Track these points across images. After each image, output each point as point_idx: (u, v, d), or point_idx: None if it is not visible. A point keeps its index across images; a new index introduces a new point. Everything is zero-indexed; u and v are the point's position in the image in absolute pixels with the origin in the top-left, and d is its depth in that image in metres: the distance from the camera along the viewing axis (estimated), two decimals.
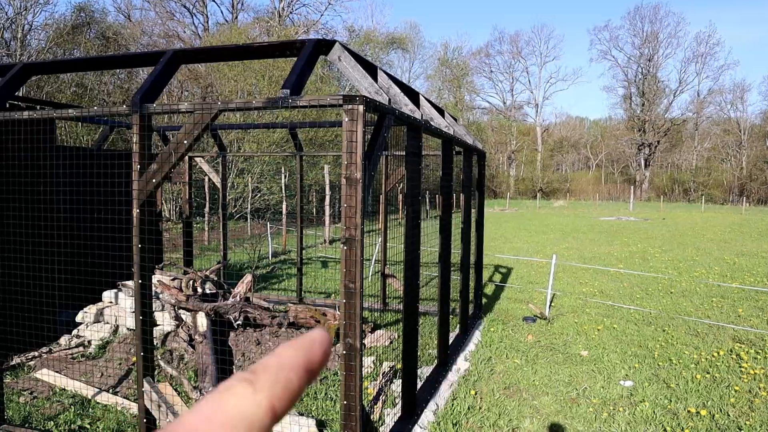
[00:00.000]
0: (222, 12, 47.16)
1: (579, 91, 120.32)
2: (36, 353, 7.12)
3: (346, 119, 3.53)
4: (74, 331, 7.79)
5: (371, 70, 4.94)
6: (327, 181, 22.29)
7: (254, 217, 27.41)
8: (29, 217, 6.63)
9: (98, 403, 5.66)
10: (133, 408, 5.41)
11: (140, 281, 4.16)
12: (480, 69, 76.78)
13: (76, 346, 7.48)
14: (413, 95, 6.56)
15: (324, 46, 4.15)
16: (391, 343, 7.93)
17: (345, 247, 3.59)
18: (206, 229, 21.86)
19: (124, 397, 5.75)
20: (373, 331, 8.27)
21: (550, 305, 9.82)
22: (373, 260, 13.56)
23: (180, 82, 31.66)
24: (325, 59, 4.20)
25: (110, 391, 5.91)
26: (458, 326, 8.12)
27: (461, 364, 6.94)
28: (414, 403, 5.09)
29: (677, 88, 75.14)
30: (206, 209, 21.05)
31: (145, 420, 4.28)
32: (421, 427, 5.04)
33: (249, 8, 48.35)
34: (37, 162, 6.95)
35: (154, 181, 4.08)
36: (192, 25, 44.74)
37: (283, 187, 27.58)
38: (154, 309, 7.90)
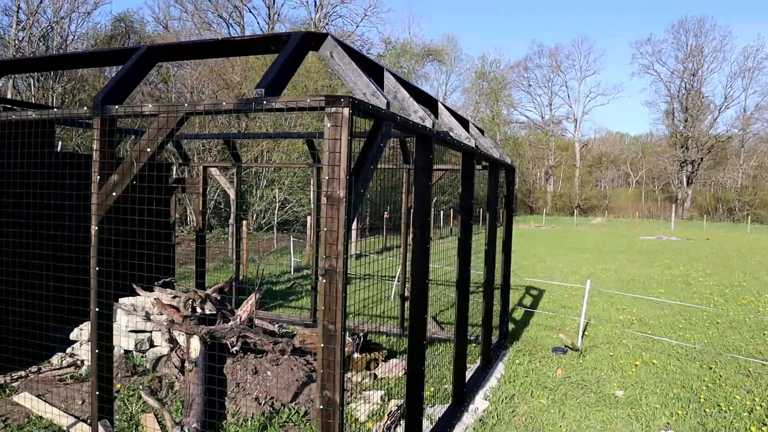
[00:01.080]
0: (258, 23, 47.32)
1: (620, 106, 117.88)
2: (23, 373, 6.65)
3: (329, 125, 2.91)
4: (68, 350, 7.32)
5: (375, 71, 4.32)
6: None
7: (282, 230, 27.03)
8: (23, 225, 6.19)
9: None
10: None
11: (97, 309, 3.59)
12: (518, 82, 75.75)
13: (68, 366, 7.00)
14: (430, 103, 5.93)
15: (314, 40, 3.55)
16: (404, 372, 7.24)
17: (324, 281, 2.96)
18: (230, 240, 21.48)
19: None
20: (387, 359, 7.60)
21: (582, 335, 9.00)
22: (396, 281, 12.89)
23: (214, 92, 31.62)
24: (317, 55, 3.59)
25: (88, 420, 5.37)
26: (480, 357, 7.40)
27: (479, 403, 6.22)
28: None
29: (722, 103, 72.87)
30: (231, 220, 20.67)
31: None
32: None
33: (286, 19, 48.45)
34: (29, 169, 6.52)
35: (114, 194, 3.52)
36: (228, 35, 44.97)
37: (312, 200, 27.18)
38: (149, 329, 7.40)
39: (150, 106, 3.38)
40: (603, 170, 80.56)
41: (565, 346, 8.66)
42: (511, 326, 10.08)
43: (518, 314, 11.13)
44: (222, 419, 5.54)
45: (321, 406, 3.01)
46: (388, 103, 3.41)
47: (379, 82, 4.38)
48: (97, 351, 3.61)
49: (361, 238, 29.69)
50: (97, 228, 3.61)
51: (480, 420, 5.79)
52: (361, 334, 7.67)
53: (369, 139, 3.30)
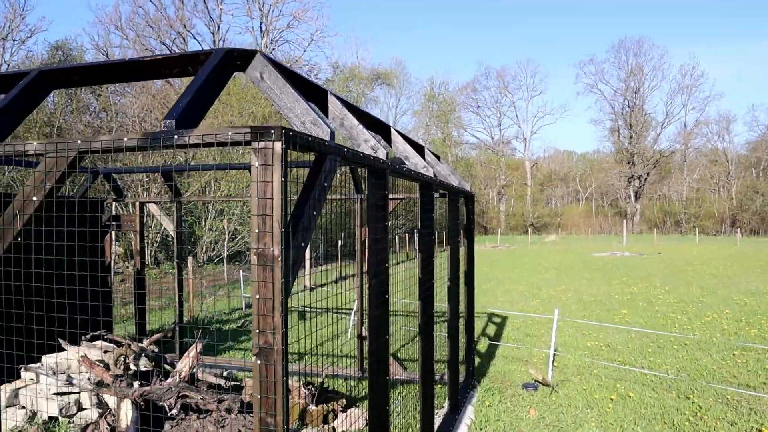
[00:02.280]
0: (203, 48, 46.38)
1: (567, 125, 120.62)
2: None
3: (257, 163, 2.29)
4: None
5: (318, 94, 3.73)
6: None
7: (232, 261, 26.00)
8: None
9: None
10: None
11: None
12: (467, 104, 76.48)
13: None
14: (382, 129, 5.37)
15: (239, 59, 2.94)
16: (366, 425, 6.57)
17: (258, 362, 2.31)
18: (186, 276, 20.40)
19: None
20: (345, 409, 6.91)
21: (552, 367, 8.51)
22: (352, 315, 12.21)
23: (158, 120, 30.52)
24: (241, 77, 2.98)
25: None
26: (447, 401, 6.79)
27: None
28: None
29: (664, 119, 75.23)
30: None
31: None
32: None
33: (231, 45, 47.63)
34: None
35: None
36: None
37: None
38: (71, 391, 6.53)
39: (35, 144, 2.70)
40: (553, 188, 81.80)
41: (536, 381, 8.15)
42: (477, 360, 9.53)
43: (483, 346, 10.59)
44: None
45: None
46: (332, 133, 2.82)
47: (323, 108, 3.79)
48: None
49: (314, 268, 28.91)
50: None
51: None
52: (318, 382, 6.99)
53: (310, 178, 2.69)
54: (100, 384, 6.16)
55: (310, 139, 2.54)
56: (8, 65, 34.19)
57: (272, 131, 2.28)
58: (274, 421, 2.33)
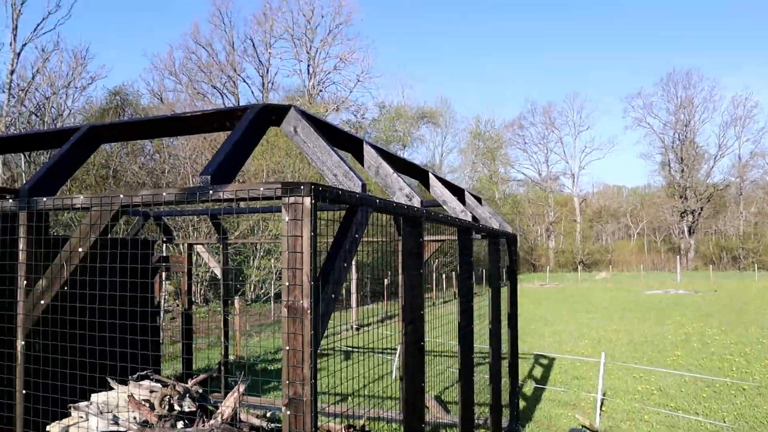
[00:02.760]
0: (253, 92, 47.82)
1: (615, 160, 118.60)
2: None
3: (287, 218, 2.36)
4: None
5: (353, 144, 3.82)
6: (354, 264, 21.23)
7: (279, 300, 26.30)
8: None
9: None
10: None
11: None
12: (514, 141, 76.25)
13: None
14: (420, 174, 5.43)
15: (274, 113, 3.05)
16: None
17: (288, 412, 2.34)
18: (232, 314, 20.74)
19: None
20: None
21: (600, 412, 8.23)
22: (396, 356, 12.12)
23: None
24: (279, 131, 3.09)
25: None
26: None
27: None
28: None
29: (717, 152, 73.18)
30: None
31: None
32: None
33: (280, 87, 49.03)
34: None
35: (42, 302, 2.94)
36: (222, 104, 45.39)
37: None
38: (117, 431, 6.65)
39: (82, 198, 2.85)
40: (603, 224, 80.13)
41: (583, 426, 7.90)
42: (522, 403, 9.31)
43: (528, 389, 10.35)
44: None
45: None
46: (363, 185, 2.88)
47: (359, 156, 3.88)
48: None
49: (361, 306, 28.95)
50: (24, 343, 3.01)
51: None
52: (360, 424, 6.94)
53: (341, 231, 2.74)
54: (145, 424, 6.27)
55: (340, 192, 2.61)
56: (70, 110, 35.80)
57: (302, 187, 2.35)
58: None
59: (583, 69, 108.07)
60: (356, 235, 2.78)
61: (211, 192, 2.52)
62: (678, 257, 56.37)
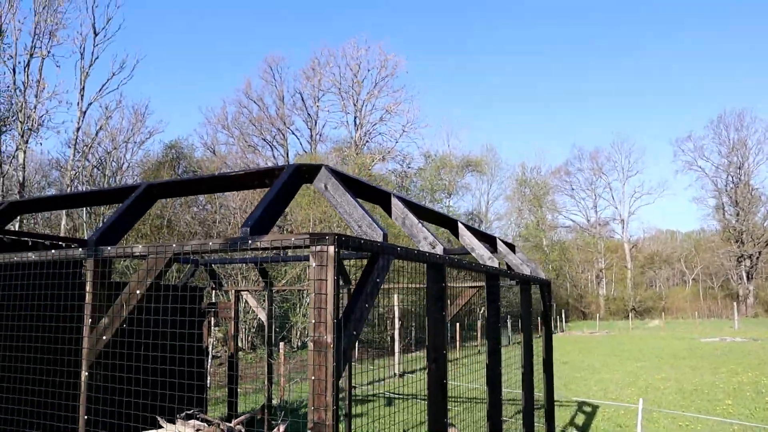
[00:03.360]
0: (301, 144, 49.28)
1: (667, 204, 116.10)
2: None
3: (314, 264, 2.72)
4: None
5: (381, 197, 4.19)
6: (396, 310, 21.51)
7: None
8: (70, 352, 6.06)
9: None
10: None
11: None
12: (561, 187, 75.74)
13: None
14: (449, 223, 5.76)
15: (308, 172, 3.46)
16: None
17: (315, 419, 2.66)
18: (278, 361, 21.10)
19: None
20: None
21: None
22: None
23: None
24: (310, 188, 3.48)
25: None
26: None
27: None
28: None
29: None
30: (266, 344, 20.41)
31: None
32: None
33: (327, 139, 50.44)
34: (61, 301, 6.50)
35: (104, 338, 3.36)
36: (273, 157, 46.90)
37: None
38: None
39: (140, 247, 3.29)
40: (656, 270, 77.99)
41: None
42: None
43: None
44: None
45: None
46: (385, 235, 3.23)
47: (387, 208, 4.24)
48: None
49: (406, 354, 28.91)
50: (87, 374, 3.42)
51: None
52: None
53: (364, 274, 3.09)
54: None
55: (362, 242, 2.96)
56: (129, 164, 37.46)
57: (326, 237, 2.71)
58: None
59: (630, 113, 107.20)
60: (377, 280, 3.11)
61: (250, 242, 2.91)
62: (736, 303, 54.22)
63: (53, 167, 32.97)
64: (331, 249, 2.71)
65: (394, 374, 20.13)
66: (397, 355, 20.88)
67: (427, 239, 4.04)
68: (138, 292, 3.26)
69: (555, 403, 13.25)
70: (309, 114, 48.71)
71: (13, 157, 21.44)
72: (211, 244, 3.05)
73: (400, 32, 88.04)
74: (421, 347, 28.82)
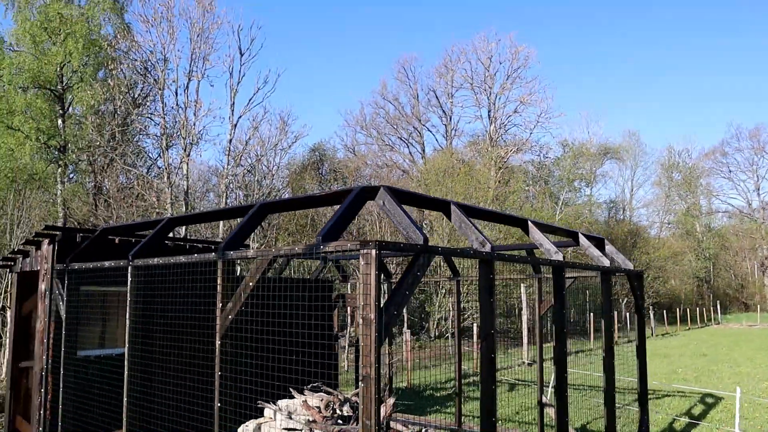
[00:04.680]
0: (437, 139, 50.49)
1: None
2: None
3: (363, 263, 3.78)
4: None
5: (441, 205, 5.17)
6: (524, 300, 22.04)
7: (462, 337, 27.56)
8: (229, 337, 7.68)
9: None
10: None
11: (218, 405, 4.67)
12: (716, 170, 70.14)
13: None
14: (520, 222, 6.56)
15: (369, 191, 4.53)
16: None
17: (362, 384, 3.73)
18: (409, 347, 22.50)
19: None
20: None
21: None
22: (551, 386, 12.73)
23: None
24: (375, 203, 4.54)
25: None
26: None
27: None
28: None
29: None
30: (404, 329, 21.79)
31: None
32: None
33: (463, 133, 51.18)
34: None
35: (230, 317, 4.68)
36: (410, 154, 48.54)
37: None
38: (294, 428, 8.43)
39: (251, 251, 4.55)
40: None
41: None
42: None
43: (679, 424, 10.47)
44: None
45: None
46: (425, 239, 4.20)
47: (447, 214, 5.21)
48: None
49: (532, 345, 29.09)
50: (219, 342, 4.76)
51: None
52: None
53: (407, 269, 4.10)
54: (312, 422, 7.97)
55: (401, 245, 3.98)
56: (278, 166, 40.56)
57: (370, 243, 3.76)
58: (370, 423, 3.69)
59: None
60: (417, 273, 4.11)
61: (322, 247, 4.04)
62: None
63: (213, 174, 37.00)
64: (374, 251, 3.75)
65: (523, 362, 20.70)
66: (525, 344, 21.41)
67: (478, 239, 4.94)
68: (251, 284, 4.53)
69: (678, 393, 13.29)
70: (443, 110, 49.76)
71: (179, 168, 24.71)
72: (297, 249, 4.23)
73: (531, 21, 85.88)
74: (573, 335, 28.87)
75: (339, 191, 4.69)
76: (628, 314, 34.75)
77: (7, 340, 9.22)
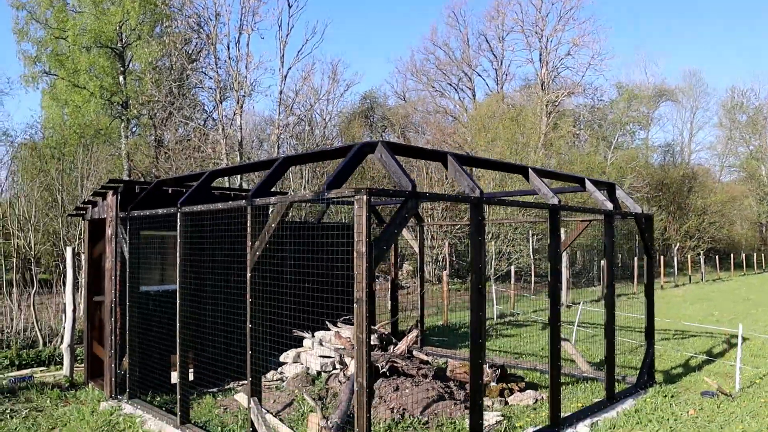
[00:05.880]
0: (488, 84, 50.06)
1: None
2: (245, 382, 9.16)
3: (356, 206, 4.60)
4: (279, 369, 9.74)
5: (439, 156, 5.90)
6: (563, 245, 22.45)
7: (506, 280, 28.29)
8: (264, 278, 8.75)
9: None
10: (278, 427, 6.91)
11: (250, 325, 5.66)
12: None
13: (276, 380, 9.40)
14: (520, 170, 7.20)
15: (369, 146, 5.30)
16: (535, 402, 8.21)
17: (356, 306, 4.60)
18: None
19: (280, 420, 7.27)
20: (523, 390, 8.63)
21: (739, 381, 8.90)
22: (575, 326, 13.41)
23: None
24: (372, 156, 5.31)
25: (272, 413, 7.52)
26: (605, 392, 8.06)
27: (580, 428, 7.03)
28: None
29: None
30: (445, 272, 22.59)
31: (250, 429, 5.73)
32: None
33: (514, 77, 50.76)
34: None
35: (257, 253, 5.61)
36: (459, 99, 48.44)
37: (531, 252, 28.04)
38: (328, 355, 9.49)
39: (273, 198, 5.42)
40: None
41: (720, 391, 8.67)
42: (678, 370, 10.21)
43: (695, 361, 11.03)
44: None
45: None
46: (413, 185, 4.96)
47: (445, 164, 5.94)
48: (250, 354, 5.65)
49: (586, 287, 29.58)
50: (250, 274, 5.72)
51: None
52: (499, 365, 8.83)
53: (397, 211, 4.89)
54: (342, 349, 9.00)
55: (390, 191, 4.77)
56: (330, 115, 41.34)
57: (363, 189, 4.56)
58: (362, 338, 4.57)
59: None
60: (405, 215, 4.89)
61: (325, 194, 4.86)
62: None
63: (268, 124, 38.20)
64: (365, 197, 4.54)
65: (562, 304, 21.35)
66: (564, 287, 21.99)
67: (469, 185, 5.66)
68: (273, 225, 5.42)
69: (706, 334, 13.73)
70: (494, 54, 49.06)
71: (233, 120, 25.90)
72: (308, 194, 5.06)
73: None
74: (591, 284, 29.23)
75: (344, 146, 5.46)
76: (675, 259, 34.56)
77: (83, 280, 10.55)
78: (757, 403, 8.13)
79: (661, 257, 31.51)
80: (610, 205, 8.06)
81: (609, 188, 8.99)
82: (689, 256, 37.78)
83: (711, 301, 22.89)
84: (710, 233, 43.59)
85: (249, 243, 5.70)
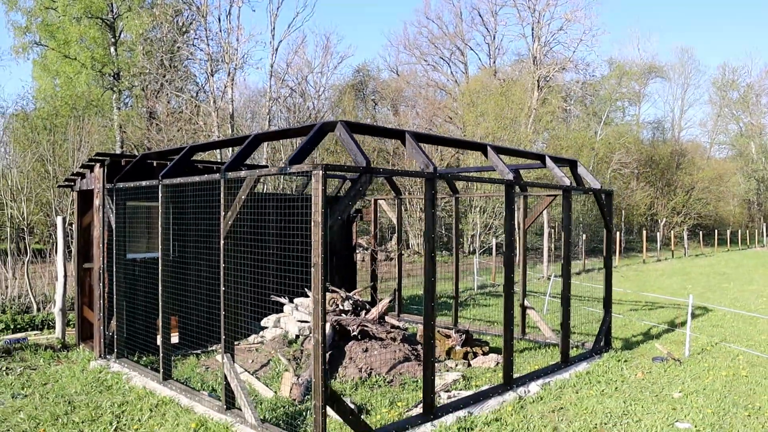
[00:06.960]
0: (480, 59, 50.19)
1: None
2: None
3: (314, 181, 5.09)
4: (261, 333, 10.30)
5: (397, 134, 6.38)
6: (545, 219, 23.01)
7: (493, 253, 28.92)
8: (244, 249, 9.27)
9: None
10: (254, 383, 7.49)
11: (224, 288, 6.19)
12: None
13: (257, 343, 9.97)
14: (479, 147, 7.68)
15: (329, 126, 5.77)
16: (496, 365, 8.80)
17: (313, 270, 5.12)
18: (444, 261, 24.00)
19: (257, 378, 7.85)
20: (486, 353, 9.23)
21: (689, 348, 9.52)
22: (547, 296, 14.01)
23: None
24: (332, 135, 5.77)
25: (250, 372, 8.10)
26: (560, 356, 8.65)
27: (532, 387, 7.62)
28: (431, 404, 6.22)
29: None
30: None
31: (225, 383, 6.29)
32: (433, 426, 6.14)
33: (507, 51, 50.72)
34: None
35: (230, 222, 6.12)
36: (451, 74, 48.55)
37: (517, 225, 28.59)
38: (305, 320, 10.05)
39: (243, 172, 5.91)
40: None
41: (670, 356, 9.28)
42: (638, 338, 10.82)
43: (656, 330, 11.65)
44: (331, 378, 7.87)
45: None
46: (368, 162, 5.44)
47: (403, 142, 6.42)
48: (224, 314, 6.18)
49: (557, 261, 30.11)
50: (223, 242, 6.23)
51: (519, 398, 7.24)
52: (464, 330, 9.40)
53: (352, 185, 5.38)
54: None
55: (345, 167, 5.25)
56: (324, 87, 41.47)
57: (319, 165, 5.04)
58: (318, 298, 5.10)
59: None
60: (360, 189, 5.37)
61: (287, 168, 5.34)
62: None
63: (261, 96, 38.40)
64: (321, 172, 5.03)
65: (542, 276, 22.01)
66: (545, 260, 22.63)
67: (424, 162, 6.14)
68: (243, 196, 5.91)
69: (673, 305, 14.33)
70: (487, 29, 49.05)
71: (224, 92, 26.19)
72: (272, 170, 5.54)
73: None
74: (592, 255, 29.88)
75: (307, 126, 5.92)
76: (659, 234, 35.20)
77: (74, 247, 11.05)
78: (701, 368, 8.75)
79: (644, 232, 32.10)
80: (567, 181, 8.55)
81: (571, 165, 9.47)
82: (673, 232, 38.45)
83: (687, 275, 23.57)
84: (696, 209, 44.25)
85: (222, 213, 6.18)
